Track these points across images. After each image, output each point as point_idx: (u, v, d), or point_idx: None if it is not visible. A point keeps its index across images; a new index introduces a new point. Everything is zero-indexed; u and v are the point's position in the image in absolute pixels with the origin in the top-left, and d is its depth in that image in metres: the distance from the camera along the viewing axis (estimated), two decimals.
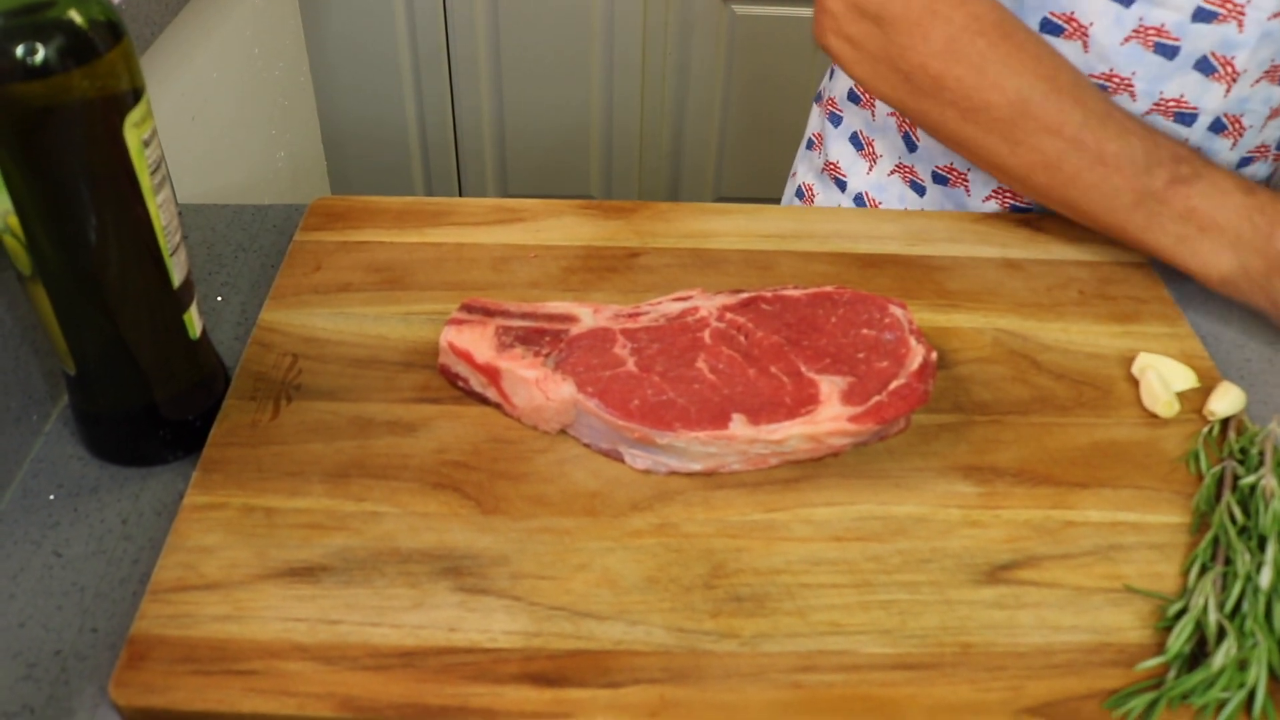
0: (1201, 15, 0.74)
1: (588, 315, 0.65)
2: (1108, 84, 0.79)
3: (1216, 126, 0.80)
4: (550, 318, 0.65)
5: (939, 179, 0.90)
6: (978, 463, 0.62)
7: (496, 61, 1.94)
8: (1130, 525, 0.59)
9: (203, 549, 0.55)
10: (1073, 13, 0.77)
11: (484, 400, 0.63)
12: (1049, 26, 0.78)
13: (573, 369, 0.61)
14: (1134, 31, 0.76)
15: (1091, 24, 0.77)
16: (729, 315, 0.65)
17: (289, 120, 1.08)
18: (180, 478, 0.62)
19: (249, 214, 0.83)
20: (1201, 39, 0.75)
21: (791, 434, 0.58)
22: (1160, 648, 0.53)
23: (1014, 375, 0.68)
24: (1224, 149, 0.82)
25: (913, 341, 0.63)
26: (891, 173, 0.94)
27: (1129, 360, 0.69)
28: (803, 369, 0.61)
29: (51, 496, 0.61)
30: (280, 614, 0.53)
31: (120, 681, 0.50)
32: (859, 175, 0.97)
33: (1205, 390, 0.67)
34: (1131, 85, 0.78)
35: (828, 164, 1.00)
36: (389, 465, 0.60)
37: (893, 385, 0.60)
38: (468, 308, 0.65)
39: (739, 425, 0.58)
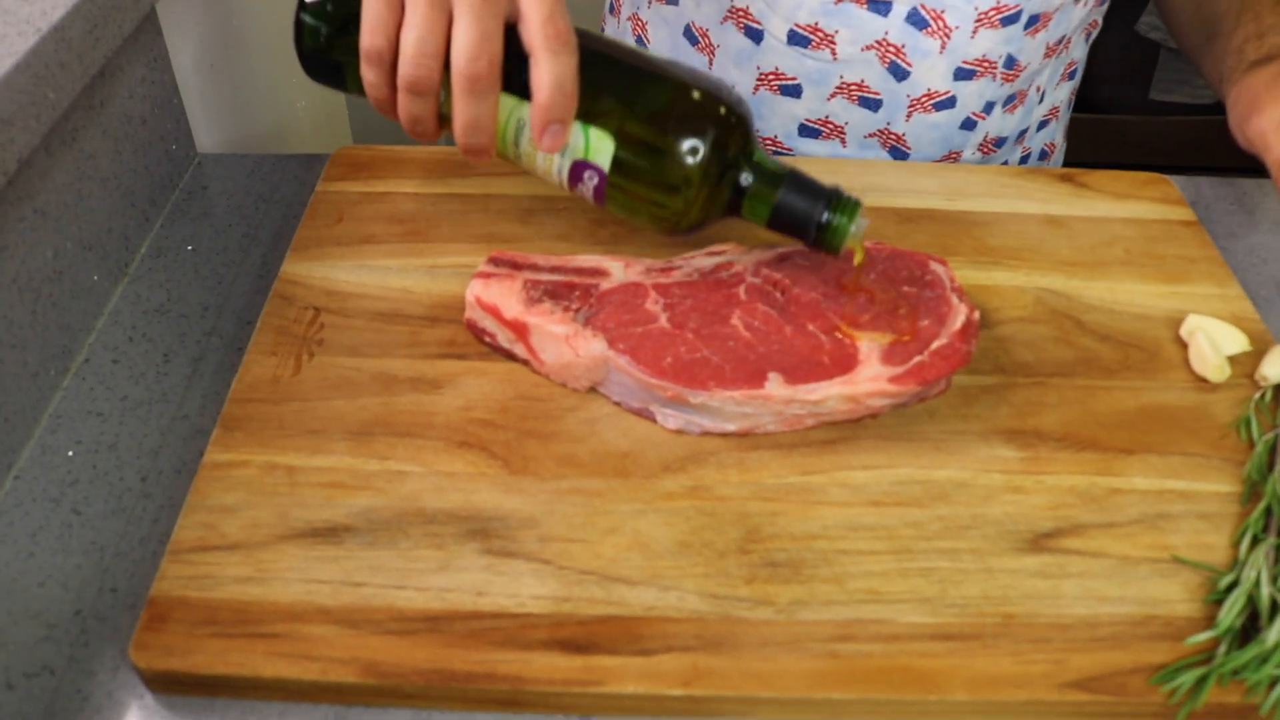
0: None
1: (619, 269, 0.63)
2: None
3: (916, 20, 0.78)
4: (580, 271, 0.63)
5: None
6: (1020, 426, 0.60)
7: None
8: (1178, 494, 0.57)
9: (223, 508, 0.54)
10: None
11: (511, 356, 0.61)
12: None
13: (603, 325, 0.59)
14: None
15: None
16: (765, 270, 0.63)
17: None
18: (200, 434, 0.61)
19: (270, 164, 0.81)
20: None
21: (830, 394, 0.56)
22: (1210, 621, 0.51)
23: (1057, 336, 0.65)
24: (933, 50, 0.80)
25: (954, 300, 0.61)
26: None
27: (1177, 322, 0.67)
28: (842, 327, 0.59)
29: (70, 453, 0.60)
30: (303, 575, 0.51)
31: (140, 644, 0.49)
32: None
33: (1257, 354, 0.65)
34: None
35: None
36: (413, 423, 0.58)
37: (934, 345, 0.58)
38: (495, 261, 0.63)
39: (775, 385, 0.56)
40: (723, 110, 0.60)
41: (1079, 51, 0.90)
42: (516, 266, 0.62)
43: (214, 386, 0.64)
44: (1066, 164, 1.00)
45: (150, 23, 0.76)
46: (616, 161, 0.60)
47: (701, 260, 0.64)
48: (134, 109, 0.73)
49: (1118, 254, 0.72)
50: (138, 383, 0.64)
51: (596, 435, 0.58)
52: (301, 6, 0.63)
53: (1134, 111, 1.94)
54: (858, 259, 0.61)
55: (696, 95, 0.60)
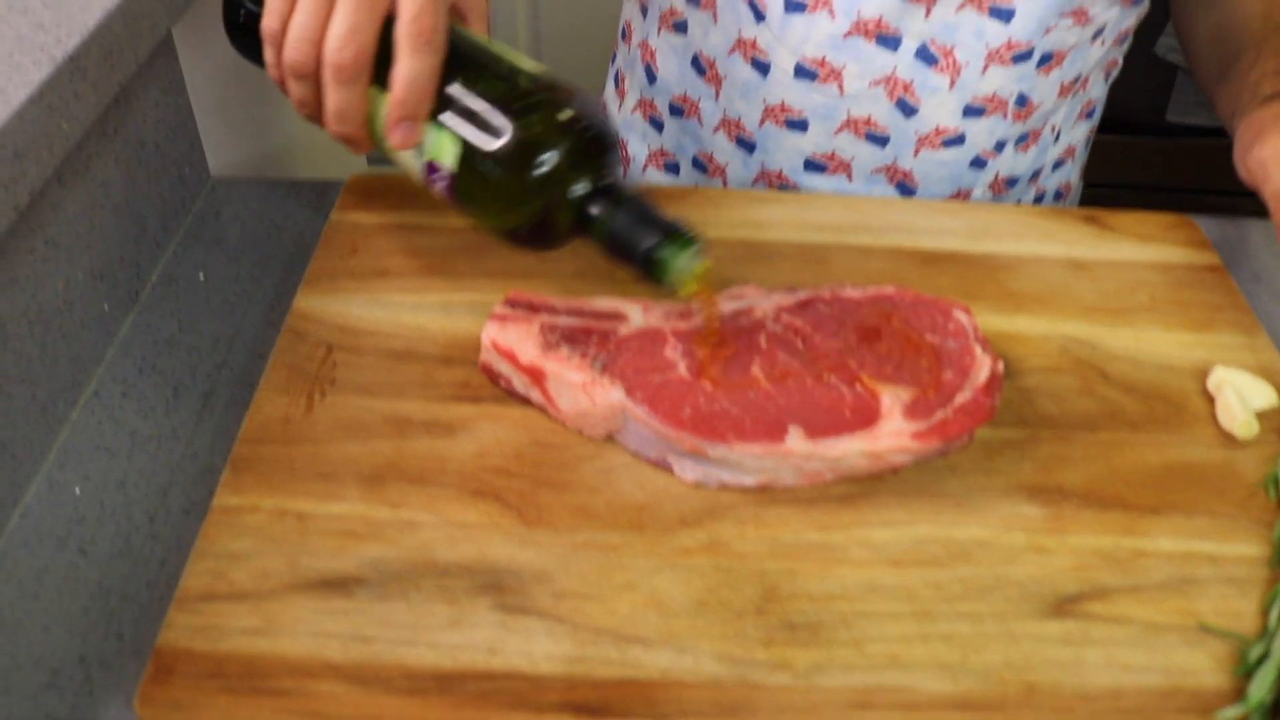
0: None
1: (637, 313, 0.62)
2: (805, 0, 0.77)
3: (925, 56, 0.77)
4: (598, 315, 0.62)
5: (675, 111, 0.89)
6: (1043, 482, 0.59)
7: (537, 28, 1.90)
8: (1205, 556, 0.56)
9: (232, 555, 0.53)
10: None
11: (527, 401, 0.60)
12: None
13: (621, 372, 0.58)
14: None
15: None
16: (785, 317, 0.62)
17: None
18: (209, 473, 0.60)
19: (283, 189, 0.80)
20: None
21: (851, 450, 0.55)
22: (1239, 694, 0.50)
23: (1081, 387, 0.64)
24: (942, 87, 0.79)
25: (978, 350, 0.60)
26: (635, 109, 0.94)
27: (1203, 373, 0.66)
28: (863, 378, 0.58)
29: (78, 490, 0.59)
30: (312, 628, 0.50)
31: (146, 697, 0.48)
32: (613, 114, 0.97)
33: None
34: (830, 2, 0.77)
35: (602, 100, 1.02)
36: (426, 469, 0.57)
37: (958, 399, 0.57)
38: (511, 302, 0.62)
39: (796, 439, 0.55)
40: (574, 129, 0.59)
41: (1097, 91, 0.89)
42: (533, 309, 0.61)
43: (224, 423, 0.63)
44: (1085, 186, 0.99)
45: (166, 46, 0.75)
46: (462, 166, 0.60)
47: (722, 305, 0.63)
48: (148, 134, 0.72)
49: (1142, 300, 0.71)
50: (147, 417, 0.63)
51: (612, 486, 0.57)
52: None
53: (1151, 133, 1.93)
54: (684, 291, 0.58)
55: (548, 109, 0.59)
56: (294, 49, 0.58)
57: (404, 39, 0.57)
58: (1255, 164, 0.69)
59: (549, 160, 0.58)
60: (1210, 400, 0.64)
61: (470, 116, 0.59)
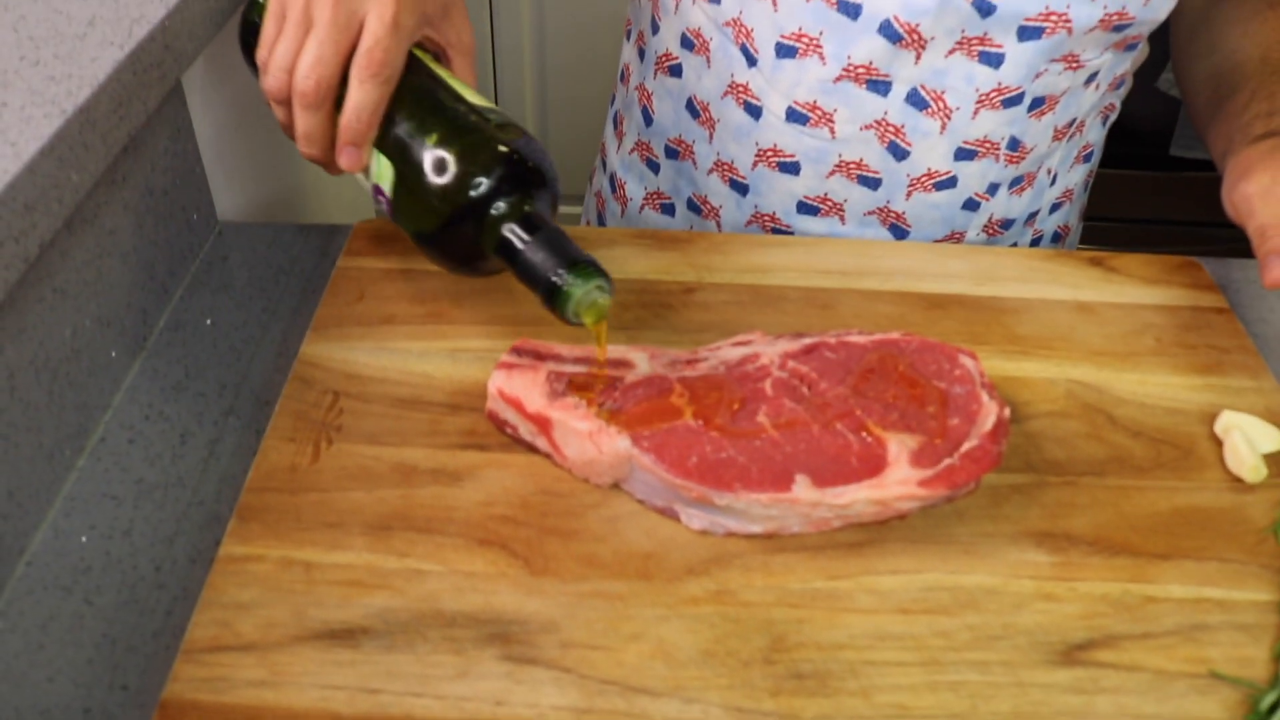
0: None
1: (643, 361, 0.62)
2: (797, 44, 0.78)
3: (915, 100, 0.78)
4: (604, 363, 0.62)
5: (670, 153, 0.91)
6: (1051, 529, 0.59)
7: (542, 69, 1.91)
8: (1215, 602, 0.56)
9: (239, 605, 0.53)
10: None
11: (533, 449, 0.61)
12: None
13: (627, 421, 0.58)
14: None
15: None
16: (791, 363, 0.62)
17: None
18: (216, 521, 0.60)
19: (290, 234, 0.81)
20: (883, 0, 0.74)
21: (857, 498, 0.55)
22: None
23: (1089, 432, 0.64)
24: (933, 131, 0.79)
25: (984, 397, 0.60)
26: (633, 150, 0.95)
27: (1210, 416, 0.65)
28: (870, 425, 0.58)
29: (84, 538, 0.59)
30: (318, 680, 0.50)
31: None
32: (612, 154, 0.99)
33: None
34: (820, 47, 0.77)
35: (603, 144, 1.03)
36: (433, 518, 0.57)
37: (965, 447, 0.57)
38: (518, 350, 0.62)
39: (802, 487, 0.55)
40: (507, 159, 0.62)
41: (1094, 135, 0.89)
42: (540, 357, 0.62)
43: (231, 470, 0.63)
44: (1087, 220, 0.99)
45: (175, 94, 0.75)
46: (397, 189, 0.64)
47: (727, 351, 0.63)
48: (156, 181, 0.73)
49: (1149, 343, 0.71)
50: (153, 464, 0.63)
51: (619, 534, 0.57)
52: (246, 8, 0.72)
53: (1154, 168, 1.93)
54: (586, 322, 0.60)
55: (471, 139, 0.62)
56: (272, 77, 0.64)
57: (355, 70, 0.62)
58: (1240, 199, 0.69)
59: (475, 179, 0.61)
60: (1218, 443, 0.64)
61: (410, 143, 0.63)
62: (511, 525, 0.57)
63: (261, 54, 0.65)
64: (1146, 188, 1.95)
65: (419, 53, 0.66)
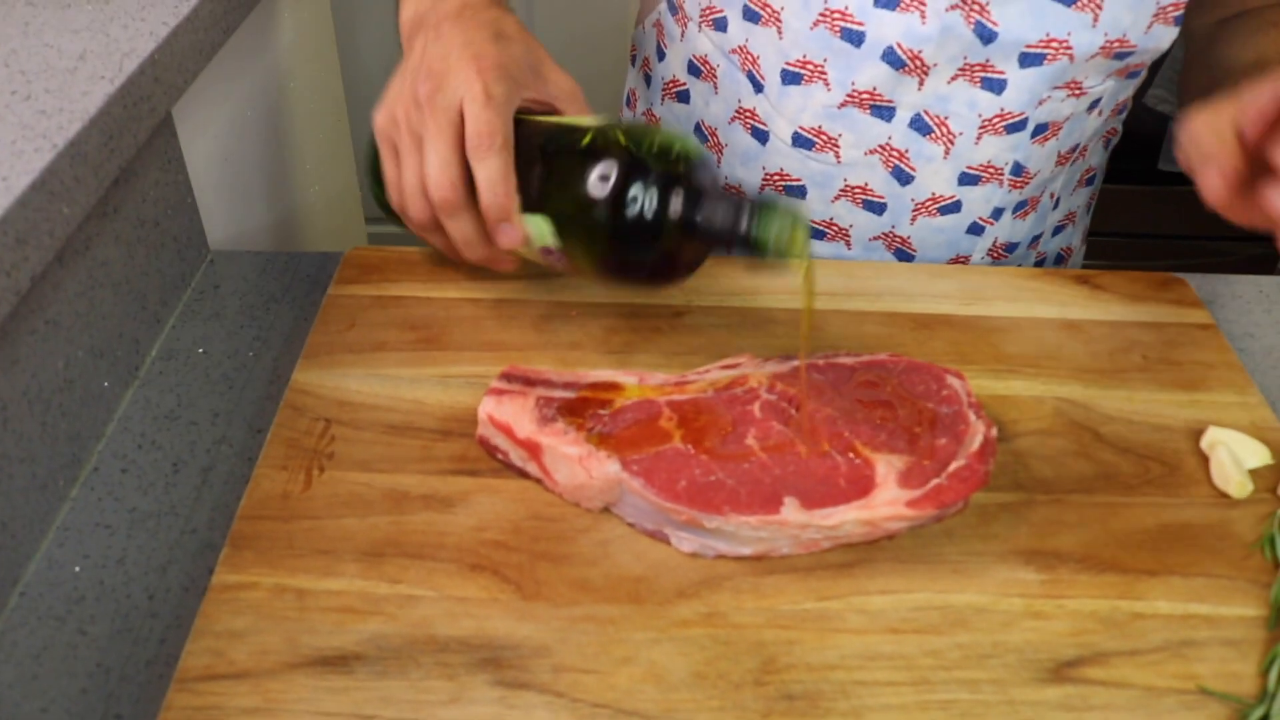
0: (883, 1, 0.74)
1: (632, 384, 0.62)
2: (803, 70, 0.79)
3: (919, 125, 0.79)
4: (594, 387, 0.62)
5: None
6: (1040, 547, 0.59)
7: None
8: (1203, 618, 0.56)
9: (232, 633, 0.53)
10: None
11: (524, 474, 0.61)
12: (749, 14, 0.80)
13: (617, 445, 0.58)
14: (820, 15, 0.76)
15: (783, 8, 0.77)
16: (779, 386, 0.62)
17: (323, 155, 1.06)
18: (209, 549, 0.60)
19: (281, 262, 0.81)
20: (885, 27, 0.75)
21: (846, 519, 0.55)
22: None
23: (1076, 449, 0.65)
24: (936, 156, 0.80)
25: (971, 416, 0.60)
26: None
27: (1197, 432, 0.66)
28: (858, 446, 0.59)
29: (77, 568, 0.59)
30: (311, 707, 0.50)
31: None
32: None
33: (1279, 467, 0.64)
34: (825, 73, 0.78)
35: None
36: (425, 544, 0.57)
37: (952, 467, 0.57)
38: (508, 376, 0.63)
39: (791, 509, 0.55)
40: (620, 147, 0.60)
41: (1097, 159, 0.90)
42: (529, 383, 0.62)
43: (223, 498, 0.63)
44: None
45: (165, 125, 0.76)
46: (562, 236, 0.62)
47: (716, 374, 0.63)
48: (147, 212, 0.73)
49: (1135, 360, 0.71)
50: (146, 493, 0.63)
51: (610, 558, 0.57)
52: (368, 178, 0.72)
53: (1141, 182, 1.95)
54: (802, 269, 0.59)
55: (593, 149, 0.60)
56: (412, 207, 0.63)
57: (470, 154, 0.60)
58: (1186, 139, 0.65)
59: (619, 177, 0.59)
60: (1204, 459, 0.64)
61: (550, 190, 0.61)
62: (503, 550, 0.57)
63: (394, 196, 0.65)
64: (1135, 202, 1.96)
65: (527, 118, 0.64)
